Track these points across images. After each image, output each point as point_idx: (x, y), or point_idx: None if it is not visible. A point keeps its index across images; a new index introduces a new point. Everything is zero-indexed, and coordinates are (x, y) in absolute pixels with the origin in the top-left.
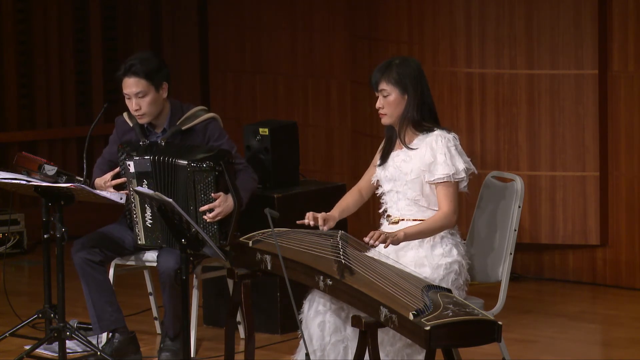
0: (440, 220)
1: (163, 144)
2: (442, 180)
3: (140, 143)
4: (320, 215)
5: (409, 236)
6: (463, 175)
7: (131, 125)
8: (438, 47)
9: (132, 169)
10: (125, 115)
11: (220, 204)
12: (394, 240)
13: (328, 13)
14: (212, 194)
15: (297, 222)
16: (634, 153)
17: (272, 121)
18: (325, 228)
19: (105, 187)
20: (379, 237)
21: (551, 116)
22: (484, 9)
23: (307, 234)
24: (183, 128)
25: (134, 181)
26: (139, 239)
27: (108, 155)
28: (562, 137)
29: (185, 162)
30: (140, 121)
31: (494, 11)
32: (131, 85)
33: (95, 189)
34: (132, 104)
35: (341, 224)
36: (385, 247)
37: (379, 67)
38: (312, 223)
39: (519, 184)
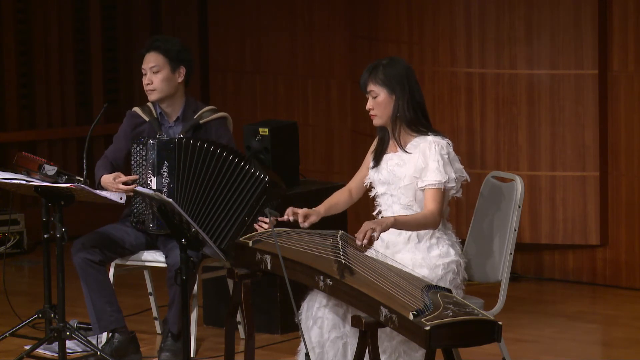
0: (427, 218)
1: (184, 139)
2: (432, 187)
3: (158, 136)
4: (301, 212)
5: (398, 223)
6: (454, 184)
7: (146, 119)
8: (438, 47)
9: (153, 150)
10: (137, 109)
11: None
12: (383, 228)
13: (328, 13)
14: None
15: (278, 219)
16: (634, 153)
17: (272, 121)
18: (306, 224)
19: (115, 183)
20: (366, 235)
21: (551, 116)
22: (484, 9)
23: (307, 234)
24: (201, 122)
25: (154, 160)
26: (151, 226)
27: (112, 154)
28: (562, 137)
29: (268, 178)
30: (150, 97)
31: (494, 11)
32: (149, 60)
33: (100, 187)
34: (145, 79)
35: (341, 224)
36: (376, 239)
37: (367, 68)
38: (291, 219)
39: (518, 184)
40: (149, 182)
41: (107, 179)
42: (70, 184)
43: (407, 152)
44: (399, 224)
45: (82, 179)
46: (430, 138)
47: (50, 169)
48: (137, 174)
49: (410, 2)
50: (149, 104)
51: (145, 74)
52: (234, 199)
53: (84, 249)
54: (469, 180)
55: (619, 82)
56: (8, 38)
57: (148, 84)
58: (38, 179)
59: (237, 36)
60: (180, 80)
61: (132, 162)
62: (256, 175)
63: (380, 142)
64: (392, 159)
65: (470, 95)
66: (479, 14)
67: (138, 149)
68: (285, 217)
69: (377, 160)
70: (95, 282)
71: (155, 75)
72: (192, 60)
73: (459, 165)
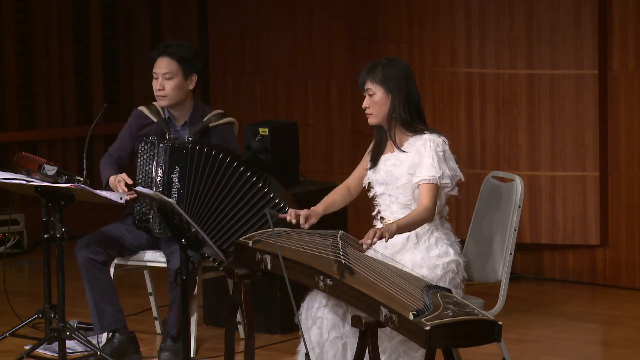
0: (422, 214)
1: (191, 139)
2: (427, 182)
3: (170, 136)
4: (302, 213)
5: (401, 227)
6: (448, 180)
7: (154, 120)
8: (438, 47)
9: (165, 154)
10: (144, 108)
11: None
12: (390, 234)
13: (328, 13)
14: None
15: (280, 215)
16: (634, 153)
17: (272, 121)
18: (307, 225)
19: (118, 184)
20: (374, 234)
21: (551, 116)
22: (484, 9)
23: (307, 234)
24: (210, 125)
25: (166, 164)
26: (155, 228)
27: (116, 152)
28: (562, 137)
29: (283, 204)
30: (160, 103)
31: (494, 11)
32: (162, 66)
33: (107, 186)
34: (156, 84)
35: (341, 224)
36: (386, 241)
37: (366, 67)
38: (294, 221)
39: (518, 184)
40: (157, 181)
41: (113, 179)
42: (70, 184)
43: (403, 151)
44: (401, 228)
45: (82, 179)
46: (426, 136)
47: (50, 169)
48: (142, 173)
49: (410, 2)
50: (156, 104)
51: (157, 79)
52: (242, 214)
53: (88, 247)
54: (463, 179)
55: (619, 82)
56: (8, 38)
57: (159, 89)
58: (38, 179)
59: (237, 36)
60: (191, 87)
61: (139, 160)
62: (270, 197)
63: (377, 143)
64: (389, 159)
65: (470, 95)
66: (479, 14)
67: (146, 147)
68: (288, 218)
69: (374, 161)
70: (98, 283)
71: (168, 81)
72: (202, 65)
73: (453, 164)
